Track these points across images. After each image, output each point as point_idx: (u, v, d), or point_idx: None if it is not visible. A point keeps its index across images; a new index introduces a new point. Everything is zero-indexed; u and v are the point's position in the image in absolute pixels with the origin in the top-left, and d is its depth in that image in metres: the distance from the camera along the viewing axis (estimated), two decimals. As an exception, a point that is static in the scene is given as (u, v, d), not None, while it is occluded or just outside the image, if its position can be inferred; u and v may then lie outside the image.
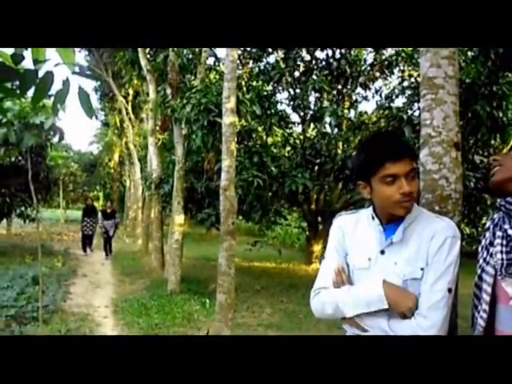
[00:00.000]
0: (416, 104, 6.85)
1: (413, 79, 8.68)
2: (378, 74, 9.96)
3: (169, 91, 8.79)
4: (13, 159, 10.01)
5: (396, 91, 7.84)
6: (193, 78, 9.55)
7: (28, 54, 1.87)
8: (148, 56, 10.17)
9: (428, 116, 1.80)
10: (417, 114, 6.69)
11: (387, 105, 7.80)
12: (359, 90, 10.29)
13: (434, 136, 1.77)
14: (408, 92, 7.34)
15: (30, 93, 2.03)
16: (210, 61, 10.42)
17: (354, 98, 10.43)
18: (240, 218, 9.14)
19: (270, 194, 8.55)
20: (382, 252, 1.47)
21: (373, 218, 1.52)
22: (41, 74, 1.91)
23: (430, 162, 1.77)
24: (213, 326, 5.46)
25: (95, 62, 16.96)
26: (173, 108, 8.30)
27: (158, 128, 10.91)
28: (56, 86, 2.01)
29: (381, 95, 10.11)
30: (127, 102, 17.73)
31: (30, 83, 1.78)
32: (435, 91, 1.79)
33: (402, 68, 9.85)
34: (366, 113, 10.10)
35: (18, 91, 1.90)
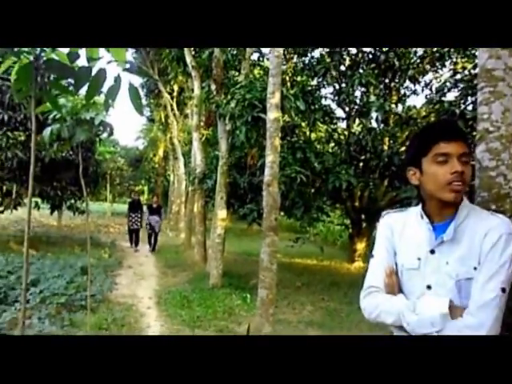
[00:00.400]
0: (470, 98, 6.55)
1: (466, 72, 8.31)
2: (428, 66, 9.62)
3: (213, 87, 8.88)
4: (63, 154, 10.40)
5: (448, 84, 7.51)
6: (237, 73, 9.60)
7: (82, 52, 1.93)
8: (193, 53, 10.30)
9: (486, 110, 1.71)
10: (470, 108, 6.39)
11: (438, 99, 7.50)
12: (408, 83, 9.99)
13: (492, 131, 1.68)
14: (461, 85, 7.01)
15: (82, 89, 2.11)
16: (254, 56, 10.44)
17: (402, 91, 10.14)
18: (282, 214, 9.12)
19: (312, 190, 8.48)
20: (432, 251, 1.42)
21: (422, 216, 1.47)
22: (94, 71, 1.98)
23: (487, 158, 1.68)
24: (254, 322, 5.47)
25: (142, 60, 17.39)
26: (217, 104, 8.37)
27: (202, 123, 11.05)
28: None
29: (431, 89, 9.77)
30: (172, 99, 18.06)
31: (84, 80, 1.84)
32: (494, 84, 1.70)
33: (454, 60, 9.46)
34: (414, 107, 9.81)
35: (73, 88, 1.97)
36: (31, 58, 1.88)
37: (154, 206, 12.72)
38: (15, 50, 1.79)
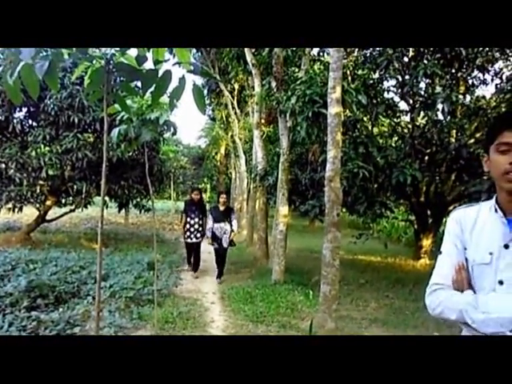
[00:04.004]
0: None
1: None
2: (498, 54, 9.03)
3: (274, 84, 8.89)
4: (130, 154, 10.73)
5: (520, 72, 7.03)
6: (297, 69, 9.54)
7: (149, 55, 2.02)
8: (253, 50, 10.36)
9: None
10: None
11: (509, 88, 7.05)
12: (476, 72, 9.43)
13: None
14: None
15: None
16: (314, 51, 10.33)
17: (470, 81, 9.58)
18: (344, 210, 8.98)
19: (375, 185, 8.27)
20: (506, 246, 1.37)
21: (495, 209, 1.43)
22: (159, 73, 2.06)
23: None
24: (316, 317, 5.46)
25: (203, 60, 17.74)
26: (278, 100, 8.38)
27: (263, 121, 11.09)
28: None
29: (501, 78, 9.16)
30: (233, 97, 18.27)
31: (151, 82, 1.92)
32: None
33: (527, 46, 8.80)
34: (483, 97, 9.29)
35: (141, 90, 2.06)
36: (103, 62, 2.00)
37: (221, 208, 8.48)
38: (88, 55, 1.91)
